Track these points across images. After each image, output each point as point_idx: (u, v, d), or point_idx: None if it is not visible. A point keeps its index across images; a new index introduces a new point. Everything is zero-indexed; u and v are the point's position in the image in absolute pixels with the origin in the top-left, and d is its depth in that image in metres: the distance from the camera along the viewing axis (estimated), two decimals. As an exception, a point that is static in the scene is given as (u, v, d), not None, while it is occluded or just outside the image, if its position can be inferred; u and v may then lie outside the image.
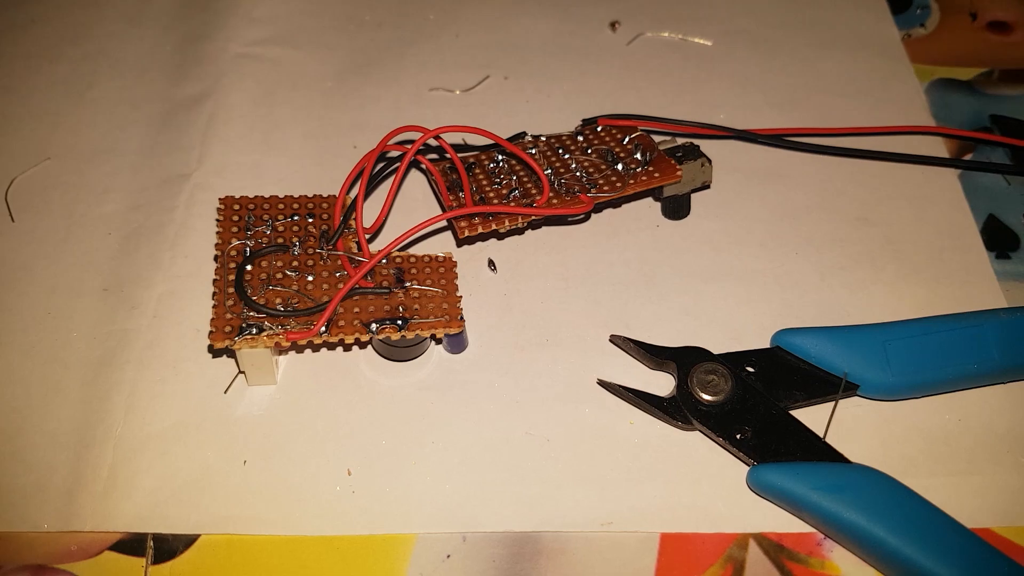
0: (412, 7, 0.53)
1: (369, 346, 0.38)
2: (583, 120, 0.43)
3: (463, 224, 0.38)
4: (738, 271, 0.41)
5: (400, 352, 0.37)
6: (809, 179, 0.44)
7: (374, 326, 0.35)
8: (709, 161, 0.41)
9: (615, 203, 0.41)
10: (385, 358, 0.38)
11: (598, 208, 0.40)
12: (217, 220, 0.38)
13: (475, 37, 0.51)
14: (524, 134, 0.43)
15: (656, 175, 0.40)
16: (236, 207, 0.38)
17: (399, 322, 0.35)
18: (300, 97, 0.48)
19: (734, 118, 0.47)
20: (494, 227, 0.38)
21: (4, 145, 0.45)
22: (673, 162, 0.40)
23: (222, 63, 0.49)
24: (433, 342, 0.38)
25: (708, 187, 0.43)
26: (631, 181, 0.40)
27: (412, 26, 0.52)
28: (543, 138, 0.42)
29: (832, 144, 0.44)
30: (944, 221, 0.43)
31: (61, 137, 0.46)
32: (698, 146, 0.41)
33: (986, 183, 0.45)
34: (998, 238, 0.42)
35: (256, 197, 0.39)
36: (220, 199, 0.38)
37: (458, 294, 0.36)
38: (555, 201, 0.39)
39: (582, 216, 0.42)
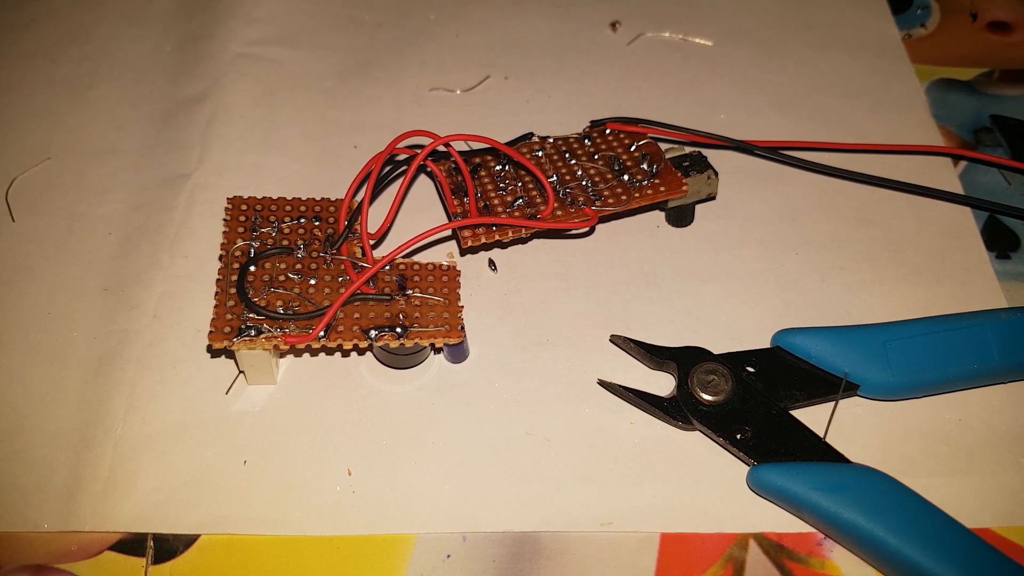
0: (412, 7, 0.53)
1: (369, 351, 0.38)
2: (592, 121, 0.43)
3: (466, 234, 0.38)
4: (738, 271, 0.41)
5: (399, 360, 0.37)
6: (809, 179, 0.44)
7: (373, 333, 0.35)
8: (716, 173, 0.41)
9: (619, 215, 0.41)
10: (385, 366, 0.38)
11: (601, 219, 0.40)
12: (224, 220, 0.38)
13: (475, 37, 0.51)
14: (531, 134, 0.43)
15: (662, 189, 0.40)
16: (244, 207, 0.38)
17: (398, 330, 0.35)
18: (300, 97, 0.48)
19: (734, 118, 0.47)
20: (497, 237, 0.38)
21: (4, 145, 0.45)
22: (679, 175, 0.40)
23: (222, 63, 0.49)
24: (433, 351, 0.38)
25: (714, 198, 0.42)
26: (636, 195, 0.39)
27: (412, 26, 0.52)
28: (550, 140, 0.42)
29: (844, 168, 0.44)
30: (944, 221, 0.43)
31: (61, 137, 0.46)
32: (705, 157, 0.41)
33: (986, 183, 0.45)
34: (998, 238, 0.42)
35: (264, 198, 0.39)
36: (228, 199, 0.38)
37: (460, 304, 0.36)
38: (559, 212, 0.39)
39: (585, 228, 0.42)
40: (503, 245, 0.41)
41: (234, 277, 0.36)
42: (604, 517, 0.34)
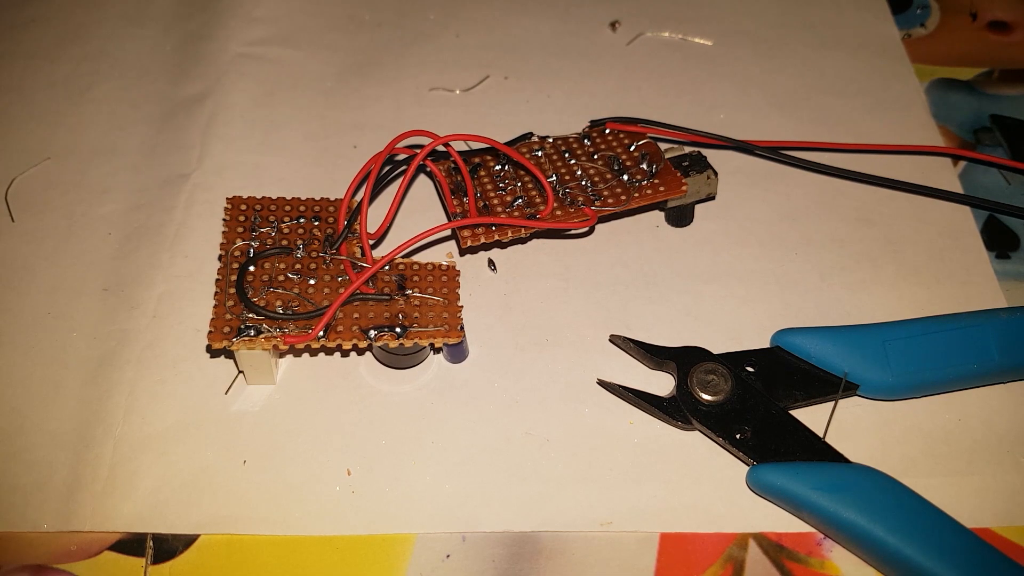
0: (412, 7, 0.53)
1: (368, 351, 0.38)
2: (591, 121, 0.43)
3: (466, 234, 0.38)
4: (738, 271, 0.41)
5: (399, 360, 0.37)
6: (809, 179, 0.44)
7: (372, 333, 0.35)
8: (715, 173, 0.41)
9: (618, 215, 0.41)
10: (385, 366, 0.38)
11: (601, 220, 0.40)
12: (224, 220, 0.38)
13: (475, 37, 0.51)
14: (531, 134, 0.43)
15: (661, 189, 0.40)
16: (243, 207, 0.38)
17: (398, 330, 0.35)
18: (300, 97, 0.48)
19: (734, 118, 0.47)
20: (497, 237, 0.38)
21: (4, 145, 0.45)
22: (679, 175, 0.40)
23: (222, 63, 0.49)
24: (432, 351, 0.38)
25: (713, 198, 0.42)
26: (636, 195, 0.39)
27: (412, 26, 0.52)
28: (550, 139, 0.42)
29: (844, 168, 0.44)
30: (944, 221, 0.43)
31: (61, 137, 0.46)
32: (704, 157, 0.41)
33: (986, 183, 0.45)
34: (998, 238, 0.42)
35: (263, 198, 0.39)
36: (227, 199, 0.38)
37: (459, 304, 0.36)
38: (559, 212, 0.39)
39: (585, 228, 0.42)
40: (503, 245, 0.41)
41: (234, 277, 0.36)
42: (604, 517, 0.34)
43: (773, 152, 0.44)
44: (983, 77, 0.50)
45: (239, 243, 0.37)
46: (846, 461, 0.34)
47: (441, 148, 0.39)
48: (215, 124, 0.46)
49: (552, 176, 0.40)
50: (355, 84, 0.49)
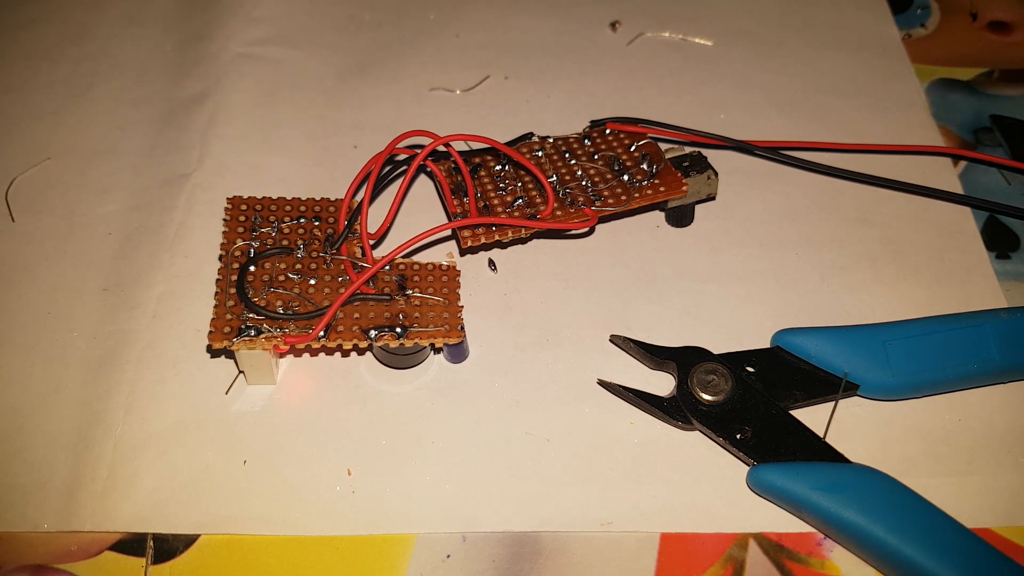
0: (412, 7, 0.53)
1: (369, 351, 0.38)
2: (592, 121, 0.43)
3: (466, 234, 0.38)
4: (738, 271, 0.41)
5: (399, 360, 0.37)
6: (809, 179, 0.44)
7: (373, 333, 0.35)
8: (716, 174, 0.41)
9: (619, 215, 0.41)
10: (385, 366, 0.38)
11: (601, 220, 0.40)
12: (224, 220, 0.38)
13: (475, 37, 0.51)
14: (531, 134, 0.43)
15: (662, 189, 0.40)
16: (243, 207, 0.38)
17: (398, 330, 0.35)
18: (300, 97, 0.48)
19: (734, 118, 0.47)
20: (497, 237, 0.38)
21: (4, 145, 0.45)
22: (679, 175, 0.40)
23: (222, 63, 0.49)
24: (432, 351, 0.38)
25: (713, 198, 0.42)
26: (636, 195, 0.39)
27: (412, 26, 0.52)
28: (550, 140, 0.42)
29: (843, 168, 0.44)
30: (944, 221, 0.43)
31: (61, 137, 0.46)
32: (705, 157, 0.41)
33: (986, 183, 0.45)
34: (998, 238, 0.42)
35: (264, 198, 0.39)
36: (228, 199, 0.38)
37: (460, 304, 0.36)
38: (559, 212, 0.39)
39: (585, 228, 0.42)
40: (503, 245, 0.41)
41: (234, 277, 0.36)
42: (604, 517, 0.34)
43: (773, 152, 0.44)
44: (983, 77, 0.50)
45: (239, 243, 0.37)
46: (846, 461, 0.34)
47: (441, 148, 0.39)
48: (215, 124, 0.46)
49: (552, 176, 0.40)
50: (355, 84, 0.49)
